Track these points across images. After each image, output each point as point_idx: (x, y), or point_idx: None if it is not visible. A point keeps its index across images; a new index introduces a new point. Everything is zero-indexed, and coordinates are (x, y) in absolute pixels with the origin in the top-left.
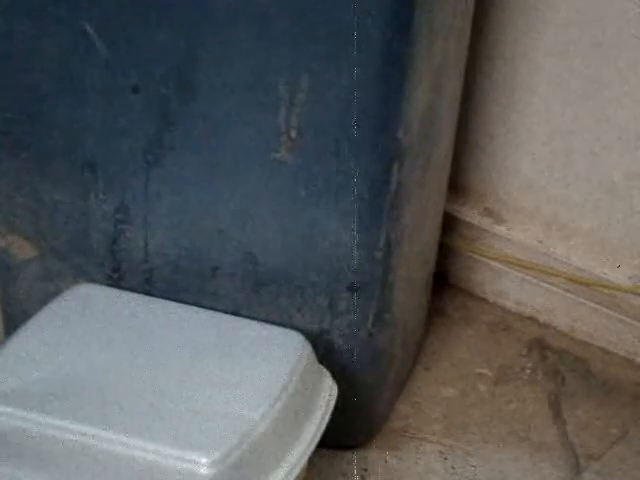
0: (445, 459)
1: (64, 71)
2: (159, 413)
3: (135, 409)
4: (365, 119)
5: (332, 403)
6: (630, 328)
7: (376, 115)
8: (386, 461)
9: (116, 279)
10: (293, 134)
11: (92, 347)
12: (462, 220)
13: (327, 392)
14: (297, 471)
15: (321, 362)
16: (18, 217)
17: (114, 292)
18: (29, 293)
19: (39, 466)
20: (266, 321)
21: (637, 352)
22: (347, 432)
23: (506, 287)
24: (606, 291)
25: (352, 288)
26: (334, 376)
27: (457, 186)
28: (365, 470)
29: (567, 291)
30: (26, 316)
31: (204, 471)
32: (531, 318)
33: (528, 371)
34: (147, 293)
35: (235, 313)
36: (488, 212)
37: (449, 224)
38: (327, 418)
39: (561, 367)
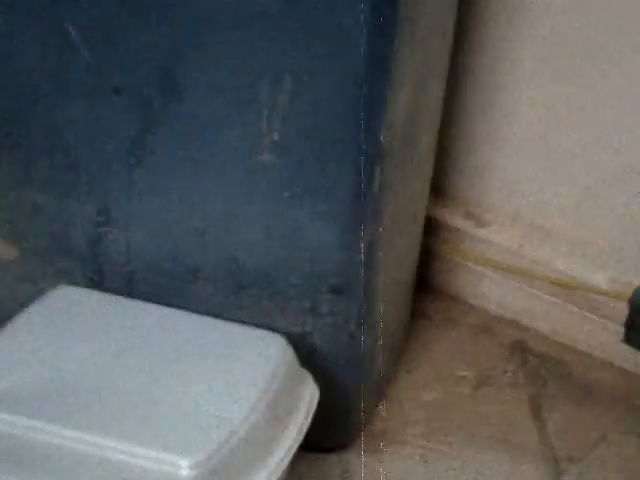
0: (426, 462)
1: (46, 72)
2: (139, 416)
3: (116, 412)
4: (347, 121)
5: (313, 406)
6: (611, 331)
7: (358, 117)
8: (367, 464)
9: (97, 281)
10: (276, 136)
11: (73, 350)
12: (443, 223)
13: (308, 395)
14: (278, 474)
15: (303, 365)
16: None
17: (95, 294)
18: (10, 295)
19: (19, 469)
20: (248, 323)
21: (618, 355)
22: (328, 435)
23: (487, 290)
24: (587, 294)
25: (334, 290)
26: (316, 378)
27: (438, 189)
28: (346, 472)
29: (548, 294)
30: (7, 318)
31: (185, 473)
32: (512, 321)
33: (509, 374)
34: (129, 295)
35: (217, 315)
36: (469, 215)
37: (431, 227)
38: (308, 421)
39: (542, 370)
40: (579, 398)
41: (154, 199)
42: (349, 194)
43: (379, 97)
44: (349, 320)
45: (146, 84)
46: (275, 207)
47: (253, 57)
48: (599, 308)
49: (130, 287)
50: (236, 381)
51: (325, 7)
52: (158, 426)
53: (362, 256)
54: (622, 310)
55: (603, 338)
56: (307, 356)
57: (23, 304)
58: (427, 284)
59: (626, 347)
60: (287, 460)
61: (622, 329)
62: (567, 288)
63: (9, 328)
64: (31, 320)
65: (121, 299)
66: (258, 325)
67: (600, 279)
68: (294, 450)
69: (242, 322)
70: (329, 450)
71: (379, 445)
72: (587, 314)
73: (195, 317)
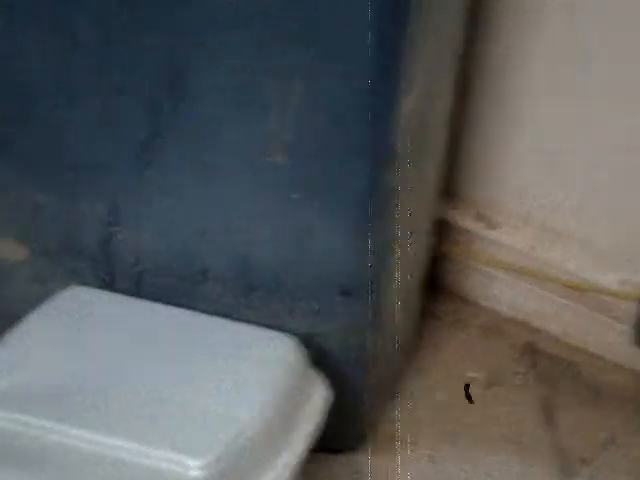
0: (435, 462)
1: (49, 72)
2: (150, 416)
3: (125, 411)
4: (357, 124)
5: (325, 407)
6: (621, 333)
7: (368, 120)
8: (377, 465)
9: (108, 282)
10: (285, 137)
11: (83, 350)
12: (454, 225)
13: (319, 396)
14: (288, 475)
15: (313, 365)
16: (10, 220)
17: (105, 295)
18: (20, 295)
19: (28, 469)
20: (258, 324)
21: (628, 357)
22: (338, 436)
23: (498, 292)
24: (598, 296)
25: (343, 292)
26: (325, 380)
27: (449, 191)
28: (356, 473)
29: (559, 296)
30: (17, 318)
31: (195, 474)
32: (523, 323)
33: (520, 375)
34: (138, 295)
35: (226, 316)
36: (480, 217)
37: (441, 229)
38: (320, 421)
39: (552, 372)
40: (589, 400)
41: (164, 199)
42: (358, 196)
43: (389, 101)
44: (358, 321)
45: (151, 85)
46: (284, 208)
47: (263, 59)
48: (610, 309)
49: (139, 287)
50: (245, 381)
51: (336, 10)
52: (167, 426)
53: (372, 257)
54: (633, 312)
55: (614, 340)
56: (317, 357)
57: (33, 304)
58: (438, 285)
59: (636, 349)
60: (297, 460)
61: (633, 331)
62: (578, 290)
63: (20, 328)
64: (41, 320)
65: (131, 299)
66: (268, 326)
67: (611, 281)
68: (305, 451)
69: (252, 323)
70: (339, 451)
71: (389, 446)
72: (597, 315)
73: (205, 317)
